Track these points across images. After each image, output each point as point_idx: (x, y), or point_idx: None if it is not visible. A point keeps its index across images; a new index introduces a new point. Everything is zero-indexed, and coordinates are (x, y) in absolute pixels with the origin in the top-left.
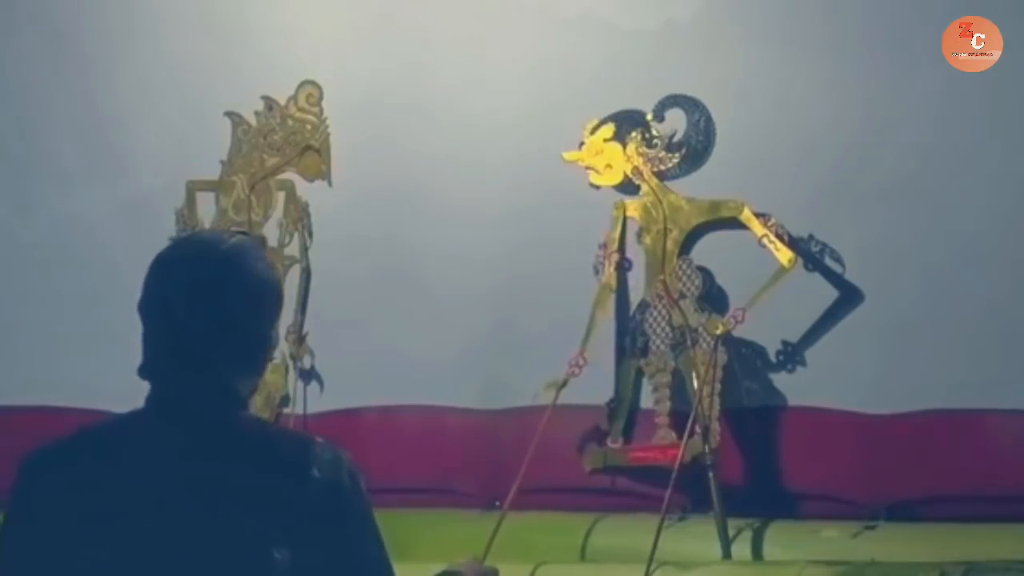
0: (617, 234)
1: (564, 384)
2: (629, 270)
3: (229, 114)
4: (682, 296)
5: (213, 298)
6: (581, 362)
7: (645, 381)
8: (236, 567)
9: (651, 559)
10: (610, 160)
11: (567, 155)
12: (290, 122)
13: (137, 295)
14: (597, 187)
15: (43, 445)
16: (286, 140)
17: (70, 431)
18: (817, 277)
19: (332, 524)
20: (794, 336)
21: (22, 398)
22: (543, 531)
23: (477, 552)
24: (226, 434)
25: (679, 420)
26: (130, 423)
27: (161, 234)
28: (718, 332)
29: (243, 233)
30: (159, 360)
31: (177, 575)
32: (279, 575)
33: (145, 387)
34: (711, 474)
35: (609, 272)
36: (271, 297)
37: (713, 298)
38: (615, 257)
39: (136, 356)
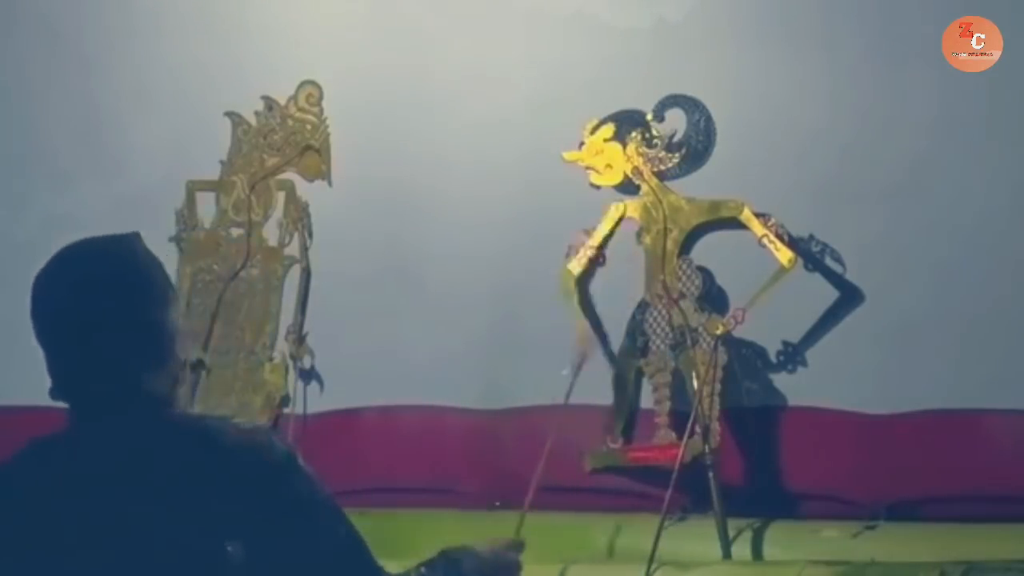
0: (605, 230)
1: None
2: (601, 265)
3: (229, 114)
4: (682, 296)
5: (91, 303)
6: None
7: (645, 381)
8: (188, 569)
9: (651, 559)
10: (610, 160)
11: (567, 155)
12: (290, 122)
13: None
14: (597, 187)
15: None
16: (286, 140)
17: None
18: (817, 277)
19: (277, 508)
20: (794, 336)
21: (20, 398)
22: (543, 531)
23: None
24: (150, 439)
25: (679, 420)
26: (55, 445)
27: (161, 234)
28: (718, 332)
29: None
30: (65, 378)
31: None
32: (234, 569)
33: None
34: (711, 474)
35: (579, 262)
36: (149, 285)
37: (713, 298)
38: (590, 252)
39: None
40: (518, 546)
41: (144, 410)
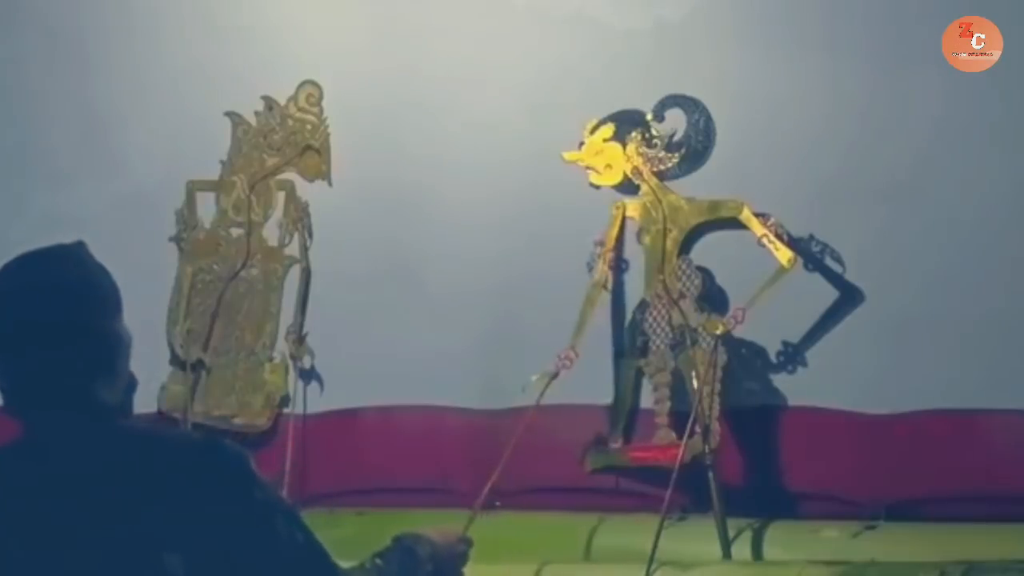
0: (614, 233)
1: (555, 376)
2: (626, 270)
3: (229, 114)
4: (682, 296)
5: (36, 312)
6: (573, 355)
7: (645, 381)
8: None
9: (651, 559)
10: (610, 160)
11: (567, 155)
12: (290, 122)
13: (134, 296)
14: (597, 187)
15: None
16: (286, 140)
17: None
18: (817, 277)
19: (229, 515)
20: (794, 336)
21: None
22: (544, 531)
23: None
24: (100, 449)
25: (679, 420)
26: (9, 453)
27: (161, 234)
28: (718, 332)
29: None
30: (13, 391)
31: None
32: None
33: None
34: (711, 474)
35: (602, 269)
36: (97, 297)
37: (713, 298)
38: (610, 256)
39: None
40: (467, 541)
41: (94, 420)
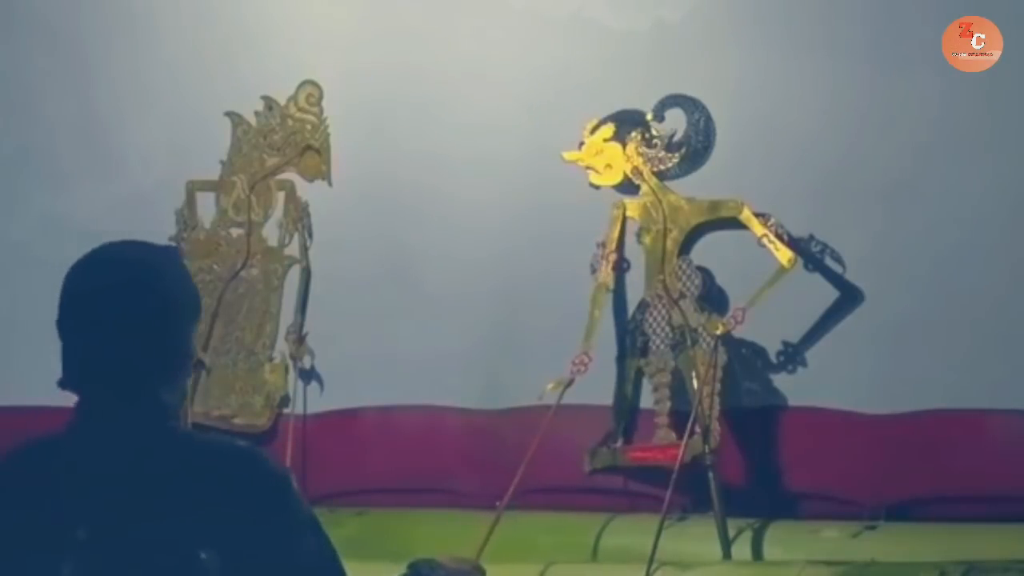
0: (616, 234)
1: (570, 383)
2: (627, 270)
3: (229, 114)
4: (682, 296)
5: (124, 304)
6: (586, 360)
7: (645, 381)
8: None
9: (651, 559)
10: (610, 160)
11: (567, 155)
12: (290, 122)
13: None
14: (597, 187)
15: None
16: (286, 140)
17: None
18: (817, 277)
19: (259, 528)
20: (794, 336)
21: (19, 398)
22: (544, 530)
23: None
24: (151, 447)
25: (679, 420)
26: (52, 445)
27: (160, 234)
28: (718, 332)
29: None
30: (80, 374)
31: None
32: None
33: None
34: (711, 474)
35: (606, 271)
36: (183, 304)
37: (713, 298)
38: (612, 257)
39: None
40: (480, 569)
41: (150, 418)
